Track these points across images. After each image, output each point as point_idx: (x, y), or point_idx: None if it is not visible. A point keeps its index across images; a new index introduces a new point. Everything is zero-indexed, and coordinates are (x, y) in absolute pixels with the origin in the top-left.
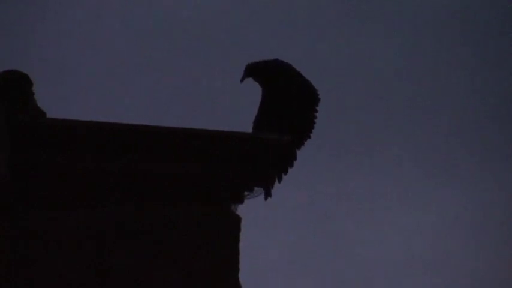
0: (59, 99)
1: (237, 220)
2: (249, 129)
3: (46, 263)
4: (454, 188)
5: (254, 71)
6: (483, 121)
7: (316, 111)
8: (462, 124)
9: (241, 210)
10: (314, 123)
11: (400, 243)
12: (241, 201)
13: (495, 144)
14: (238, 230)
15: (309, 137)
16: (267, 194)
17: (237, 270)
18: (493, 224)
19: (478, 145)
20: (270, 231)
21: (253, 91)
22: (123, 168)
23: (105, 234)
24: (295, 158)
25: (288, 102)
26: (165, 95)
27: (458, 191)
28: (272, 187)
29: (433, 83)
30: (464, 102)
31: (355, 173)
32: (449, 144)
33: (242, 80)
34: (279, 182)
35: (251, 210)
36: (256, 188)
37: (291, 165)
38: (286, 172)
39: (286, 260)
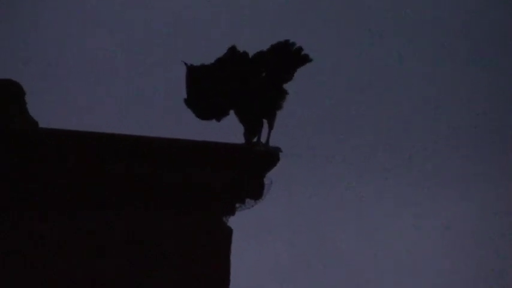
0: (55, 106)
1: (228, 232)
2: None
3: (46, 263)
4: (452, 193)
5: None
6: (483, 124)
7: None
8: (461, 126)
9: (233, 221)
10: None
11: (396, 250)
12: (233, 213)
13: (493, 149)
14: (229, 242)
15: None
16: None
17: (227, 282)
18: (492, 229)
19: (475, 149)
20: (262, 242)
21: None
22: (116, 177)
23: (102, 238)
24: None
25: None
26: (166, 100)
27: (457, 196)
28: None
29: (435, 83)
30: (462, 104)
31: (349, 180)
32: (444, 147)
33: None
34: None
35: (243, 221)
36: (247, 200)
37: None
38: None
39: (279, 270)
